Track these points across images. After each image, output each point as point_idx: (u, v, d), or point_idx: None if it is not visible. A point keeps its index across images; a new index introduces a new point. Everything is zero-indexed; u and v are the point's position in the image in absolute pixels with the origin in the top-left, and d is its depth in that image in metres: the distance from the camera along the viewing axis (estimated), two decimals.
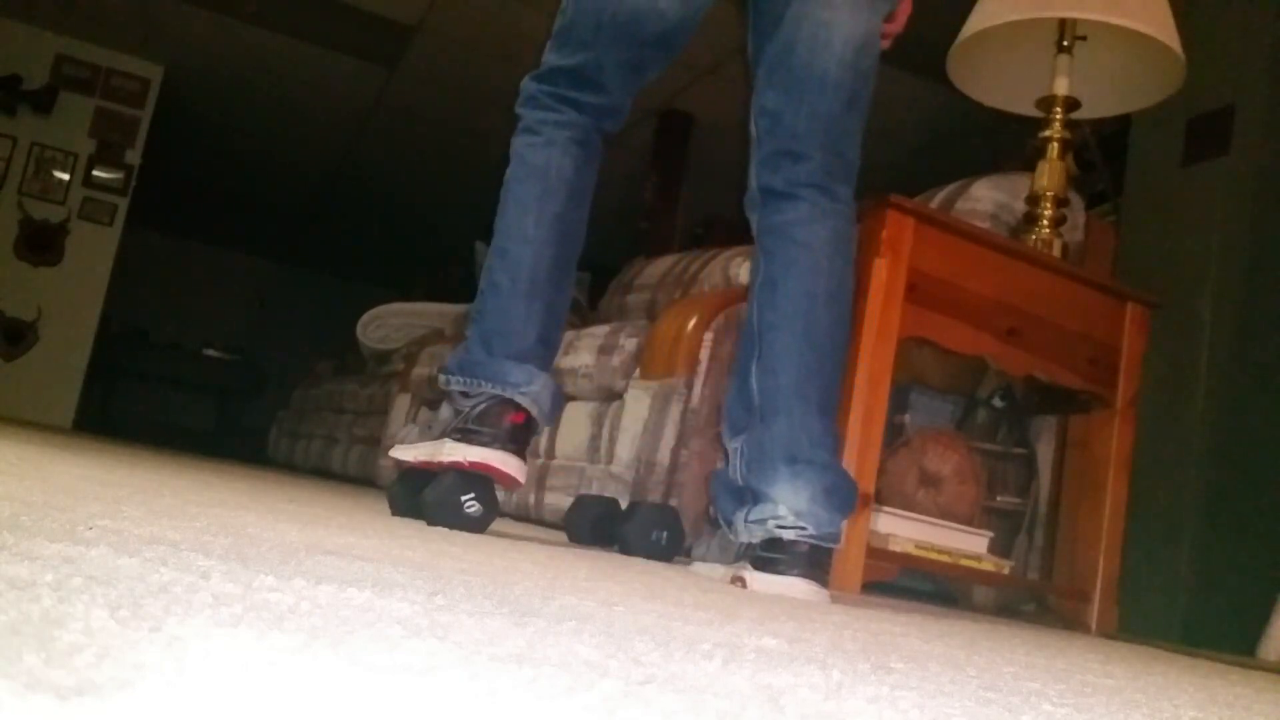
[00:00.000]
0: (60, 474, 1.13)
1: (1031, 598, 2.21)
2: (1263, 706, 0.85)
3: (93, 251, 5.91)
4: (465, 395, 1.48)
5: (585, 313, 4.09)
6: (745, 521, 1.39)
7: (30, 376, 5.75)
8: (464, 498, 1.37)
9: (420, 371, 3.72)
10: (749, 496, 1.40)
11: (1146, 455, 2.22)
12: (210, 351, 8.36)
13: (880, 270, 1.79)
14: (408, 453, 1.51)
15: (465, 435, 1.43)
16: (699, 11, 1.51)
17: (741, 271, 2.45)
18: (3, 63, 5.78)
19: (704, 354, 2.31)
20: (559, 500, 2.54)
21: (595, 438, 2.52)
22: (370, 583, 0.58)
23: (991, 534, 1.99)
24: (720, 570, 1.41)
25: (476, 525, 1.38)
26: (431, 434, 1.50)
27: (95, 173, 5.94)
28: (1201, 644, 2.05)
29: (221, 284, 9.78)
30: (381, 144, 6.59)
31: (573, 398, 2.73)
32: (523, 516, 2.77)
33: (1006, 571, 1.99)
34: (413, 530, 1.22)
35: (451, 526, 1.35)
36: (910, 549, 1.85)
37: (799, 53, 1.47)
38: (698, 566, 1.48)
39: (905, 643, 0.84)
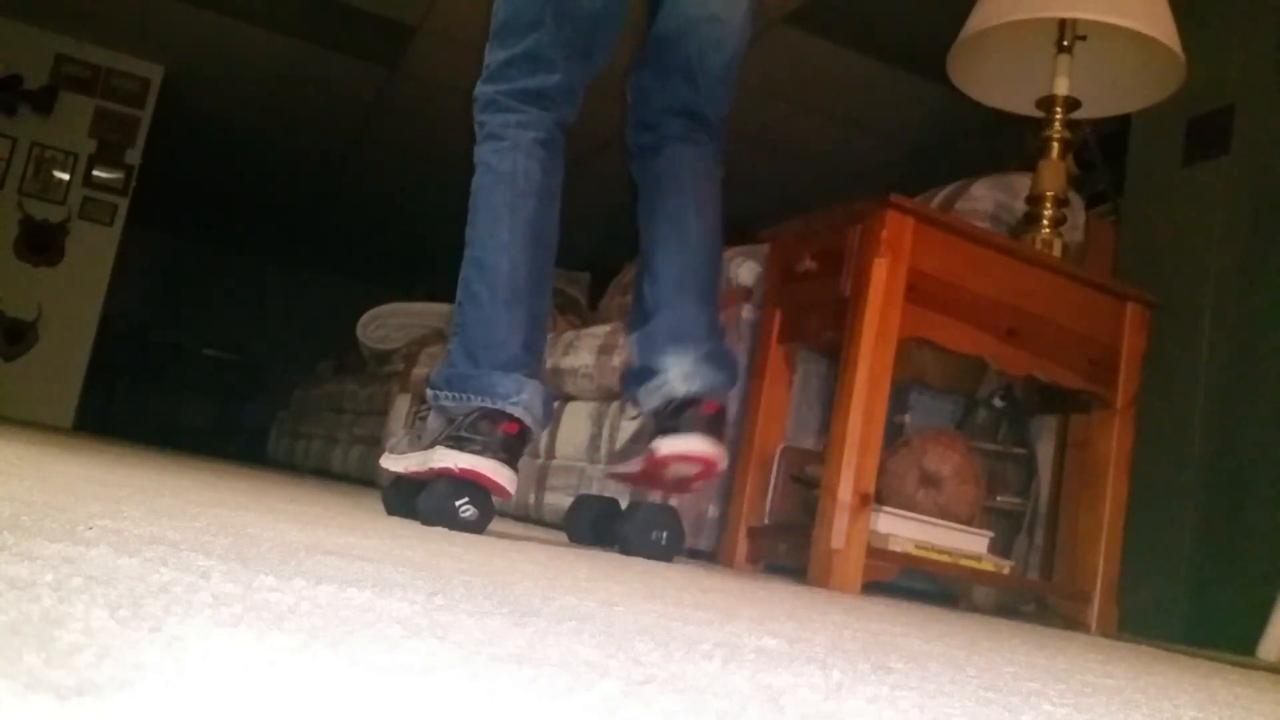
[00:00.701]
0: (60, 474, 1.13)
1: (1031, 597, 2.21)
2: (1263, 706, 0.85)
3: (93, 251, 5.91)
4: (449, 409, 1.51)
5: (585, 313, 4.09)
6: (644, 392, 1.59)
7: (30, 376, 5.75)
8: (458, 503, 1.39)
9: (420, 371, 3.72)
10: (645, 374, 1.60)
11: (1146, 455, 2.22)
12: (210, 351, 8.37)
13: (880, 270, 1.79)
14: (398, 463, 1.55)
15: (457, 442, 1.45)
16: None
17: (742, 271, 2.45)
18: (3, 63, 5.77)
19: None
20: (559, 500, 2.54)
21: (595, 438, 2.52)
22: (370, 583, 0.58)
23: (991, 534, 1.99)
24: (635, 461, 1.61)
25: (473, 528, 1.40)
26: (421, 444, 1.52)
27: (95, 173, 5.94)
28: (1201, 644, 2.05)
29: (221, 284, 9.78)
30: (381, 144, 6.59)
31: (573, 398, 2.73)
32: (523, 516, 2.77)
33: (1006, 571, 1.98)
34: (412, 530, 1.22)
35: (447, 527, 1.38)
36: (910, 549, 1.85)
37: (671, 45, 1.66)
38: (615, 467, 1.68)
39: (905, 643, 0.84)
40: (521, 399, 1.47)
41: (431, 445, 1.49)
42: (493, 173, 1.56)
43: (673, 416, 1.55)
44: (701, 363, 1.58)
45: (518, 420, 1.47)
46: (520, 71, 1.57)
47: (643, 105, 1.70)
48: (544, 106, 1.58)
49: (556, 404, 2.78)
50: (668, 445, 1.53)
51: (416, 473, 1.50)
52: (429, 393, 1.54)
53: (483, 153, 1.59)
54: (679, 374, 1.56)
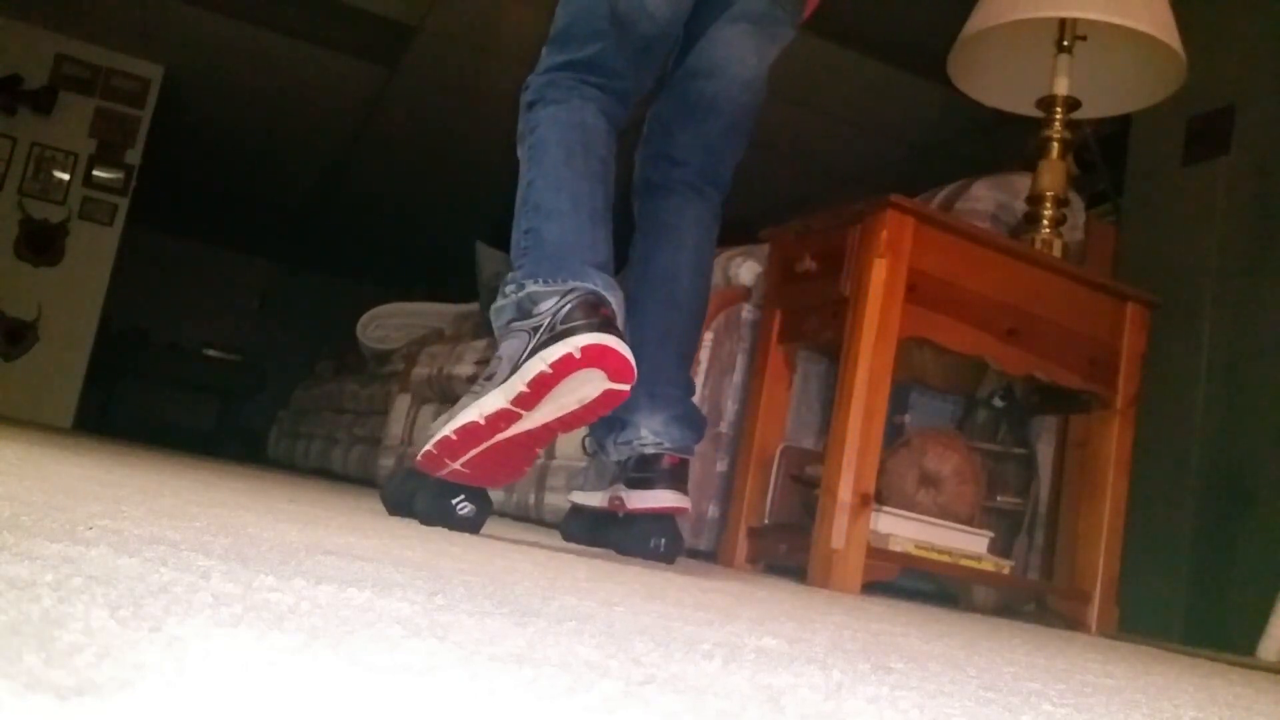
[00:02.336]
0: (60, 474, 1.13)
1: (1031, 598, 2.21)
2: (1263, 706, 0.85)
3: (93, 251, 5.91)
4: (538, 303, 1.30)
5: None
6: (614, 443, 1.59)
7: (30, 376, 5.74)
8: (454, 500, 1.33)
9: (420, 371, 3.72)
10: (617, 424, 1.58)
11: (1146, 455, 2.22)
12: (210, 351, 8.36)
13: (880, 270, 1.79)
14: (481, 408, 1.25)
15: (556, 335, 1.23)
16: (687, 11, 1.59)
17: (742, 271, 2.45)
18: (3, 63, 5.77)
19: (704, 354, 2.31)
20: (559, 500, 2.54)
21: None
22: (370, 583, 0.58)
23: (991, 534, 1.99)
24: (598, 496, 1.63)
25: (470, 526, 1.37)
26: (501, 376, 1.27)
27: (95, 173, 5.94)
28: (1201, 644, 2.05)
29: (221, 284, 9.78)
30: (382, 144, 6.59)
31: None
32: (523, 516, 2.77)
33: (1006, 571, 1.98)
34: (412, 530, 1.22)
35: (450, 527, 1.34)
36: (910, 549, 1.85)
37: (697, 82, 1.67)
38: (576, 495, 1.69)
39: (905, 643, 0.84)
40: (616, 297, 1.32)
41: (521, 363, 1.25)
42: (558, 123, 1.44)
43: (638, 469, 1.58)
44: (673, 422, 1.60)
45: (614, 311, 1.30)
46: (582, 70, 1.51)
47: (661, 137, 1.69)
48: (606, 94, 1.51)
49: None
50: (638, 499, 1.57)
51: (513, 405, 1.23)
52: (509, 289, 1.33)
53: (540, 115, 1.47)
54: (650, 431, 1.58)
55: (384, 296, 5.59)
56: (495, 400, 1.25)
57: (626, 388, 1.26)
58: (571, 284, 1.28)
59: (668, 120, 1.69)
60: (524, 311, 1.32)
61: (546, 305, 1.28)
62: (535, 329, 1.26)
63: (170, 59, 5.94)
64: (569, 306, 1.26)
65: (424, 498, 1.36)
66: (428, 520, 1.35)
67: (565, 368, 1.21)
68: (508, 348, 1.29)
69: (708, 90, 1.67)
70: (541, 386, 1.22)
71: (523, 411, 1.24)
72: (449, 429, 1.27)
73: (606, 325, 1.25)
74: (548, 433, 1.29)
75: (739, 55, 1.67)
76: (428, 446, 1.29)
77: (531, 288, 1.31)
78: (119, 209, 5.98)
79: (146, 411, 8.56)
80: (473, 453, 1.27)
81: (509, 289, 1.34)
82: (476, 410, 1.26)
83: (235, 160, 7.43)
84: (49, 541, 0.51)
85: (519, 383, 1.23)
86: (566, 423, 1.28)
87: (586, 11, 1.52)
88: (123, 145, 5.98)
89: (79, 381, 5.89)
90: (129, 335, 7.82)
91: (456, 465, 1.29)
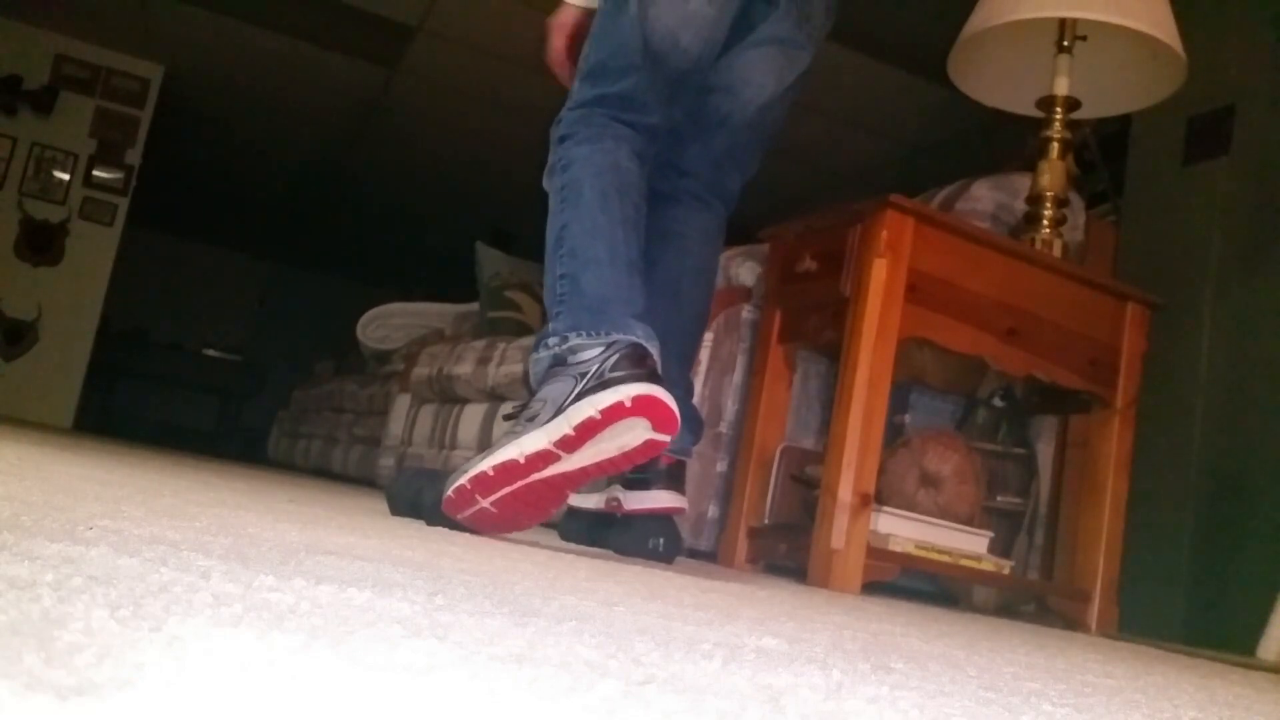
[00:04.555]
0: (60, 474, 1.13)
1: (1031, 598, 2.21)
2: (1263, 706, 0.85)
3: (93, 251, 5.91)
4: (579, 354, 1.30)
5: None
6: None
7: (30, 376, 5.74)
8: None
9: (420, 371, 3.72)
10: None
11: (1146, 455, 2.22)
12: (210, 351, 8.36)
13: (880, 270, 1.79)
14: (526, 446, 1.25)
15: (604, 383, 1.24)
16: (719, 45, 1.59)
17: (742, 271, 2.45)
18: (3, 63, 5.77)
19: (704, 354, 2.31)
20: None
21: None
22: (370, 583, 0.58)
23: (992, 534, 1.99)
24: (594, 498, 1.64)
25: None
26: (542, 419, 1.27)
27: (95, 173, 5.94)
28: (1201, 644, 2.05)
29: (221, 284, 9.78)
30: (382, 144, 6.59)
31: None
32: None
33: (1006, 571, 1.98)
34: (413, 530, 1.22)
35: (451, 527, 1.34)
36: (910, 549, 1.85)
37: (713, 97, 1.67)
38: (573, 498, 1.64)
39: (905, 643, 0.84)
40: (655, 347, 1.31)
41: (567, 406, 1.25)
42: (593, 164, 1.44)
43: (636, 470, 1.50)
44: None
45: (657, 363, 1.29)
46: (615, 106, 1.50)
47: (670, 147, 1.67)
48: (639, 133, 1.51)
49: None
50: (635, 500, 1.60)
51: (565, 439, 1.23)
52: (550, 342, 1.33)
53: (573, 153, 1.47)
54: None
55: (384, 296, 5.59)
56: (537, 440, 1.25)
57: (668, 439, 1.26)
58: (614, 336, 1.28)
59: (679, 131, 1.68)
60: (564, 361, 1.32)
61: (590, 354, 1.28)
62: (582, 375, 1.26)
63: (170, 59, 5.94)
64: (616, 357, 1.26)
65: (433, 492, 1.35)
66: (433, 519, 1.35)
67: (614, 415, 1.22)
68: (551, 391, 1.28)
69: (722, 107, 1.68)
70: (588, 431, 1.23)
71: (563, 454, 1.24)
72: (486, 465, 1.27)
73: (653, 377, 1.26)
74: (583, 476, 1.28)
75: (758, 79, 1.68)
76: (460, 481, 1.28)
77: (574, 340, 1.30)
78: (119, 209, 5.98)
79: (146, 411, 8.56)
80: (504, 491, 1.27)
81: (551, 340, 1.34)
82: (517, 449, 1.26)
83: (235, 160, 7.43)
84: (49, 541, 0.51)
85: (565, 425, 1.23)
86: (603, 468, 1.28)
87: (621, 47, 1.51)
88: (123, 145, 5.98)
89: (79, 381, 5.89)
90: (129, 335, 7.82)
91: (485, 504, 1.28)
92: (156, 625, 0.35)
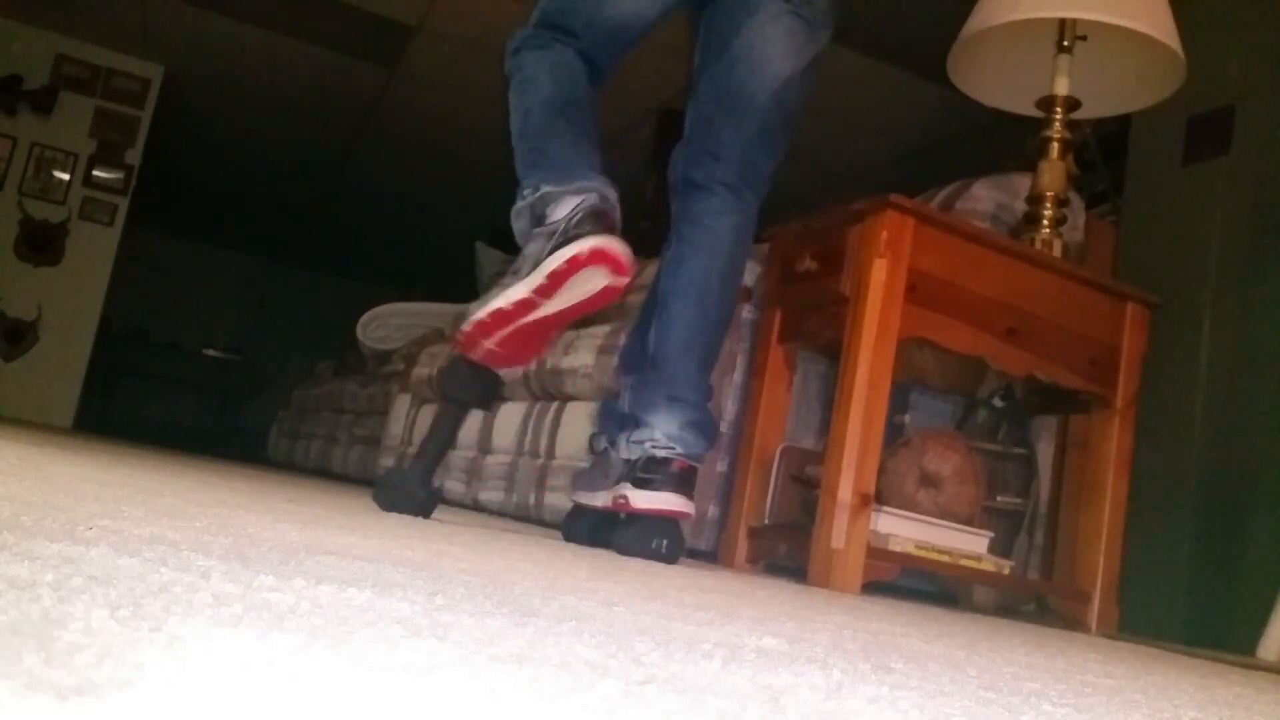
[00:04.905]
0: (60, 474, 1.13)
1: (1032, 598, 2.21)
2: (1263, 706, 0.85)
3: (93, 251, 5.91)
4: (550, 204, 1.49)
5: None
6: (627, 442, 1.65)
7: (30, 376, 5.74)
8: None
9: (420, 371, 3.72)
10: (631, 422, 1.66)
11: (1146, 455, 2.22)
12: (210, 351, 8.36)
13: (880, 270, 1.79)
14: (509, 295, 1.47)
15: (568, 238, 1.44)
16: (673, 10, 1.70)
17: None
18: (3, 63, 5.77)
19: None
20: (559, 500, 2.54)
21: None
22: (370, 583, 0.58)
23: (992, 534, 1.99)
24: (601, 496, 1.68)
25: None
26: (523, 273, 1.48)
27: (95, 173, 5.94)
28: (1201, 644, 2.05)
29: (221, 284, 9.78)
30: (381, 144, 6.59)
31: (573, 398, 2.73)
32: (523, 516, 2.77)
33: (1006, 571, 1.98)
34: (413, 530, 1.22)
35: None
36: (910, 549, 1.85)
37: (738, 74, 1.70)
38: (579, 495, 1.75)
39: (905, 643, 0.84)
40: (614, 193, 1.51)
41: (542, 260, 1.45)
42: (538, 61, 1.62)
43: (646, 469, 1.62)
44: (688, 428, 1.65)
45: (617, 218, 1.50)
46: (556, 31, 1.65)
47: (705, 132, 1.72)
48: (578, 51, 1.65)
49: (555, 405, 2.78)
50: (643, 499, 1.62)
51: (541, 287, 1.45)
52: (526, 193, 1.53)
53: (523, 59, 1.64)
54: (664, 435, 1.63)
55: (384, 296, 5.59)
56: (519, 290, 1.47)
57: (624, 281, 1.48)
58: (579, 183, 1.48)
59: (709, 116, 1.72)
60: (539, 216, 1.51)
61: (560, 208, 1.47)
62: (552, 233, 1.46)
63: (170, 59, 5.94)
64: (580, 215, 1.45)
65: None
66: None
67: (575, 264, 1.43)
68: (530, 249, 1.50)
69: (748, 86, 1.70)
70: (557, 279, 1.44)
71: (541, 300, 1.47)
72: (482, 313, 1.51)
73: (610, 231, 1.46)
74: (561, 319, 1.52)
75: (780, 53, 1.71)
76: (465, 328, 1.55)
77: (545, 189, 1.50)
78: (119, 209, 5.98)
79: (146, 411, 8.56)
80: (501, 333, 1.52)
81: (525, 192, 1.53)
82: (503, 299, 1.49)
83: (235, 160, 7.43)
84: (49, 541, 0.51)
85: (539, 276, 1.45)
86: (576, 310, 1.50)
87: (572, 11, 1.65)
88: (123, 145, 5.98)
89: (79, 381, 5.89)
90: (129, 335, 7.83)
91: (490, 344, 1.55)
92: (156, 625, 0.35)
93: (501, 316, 1.49)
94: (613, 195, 1.50)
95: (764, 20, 1.70)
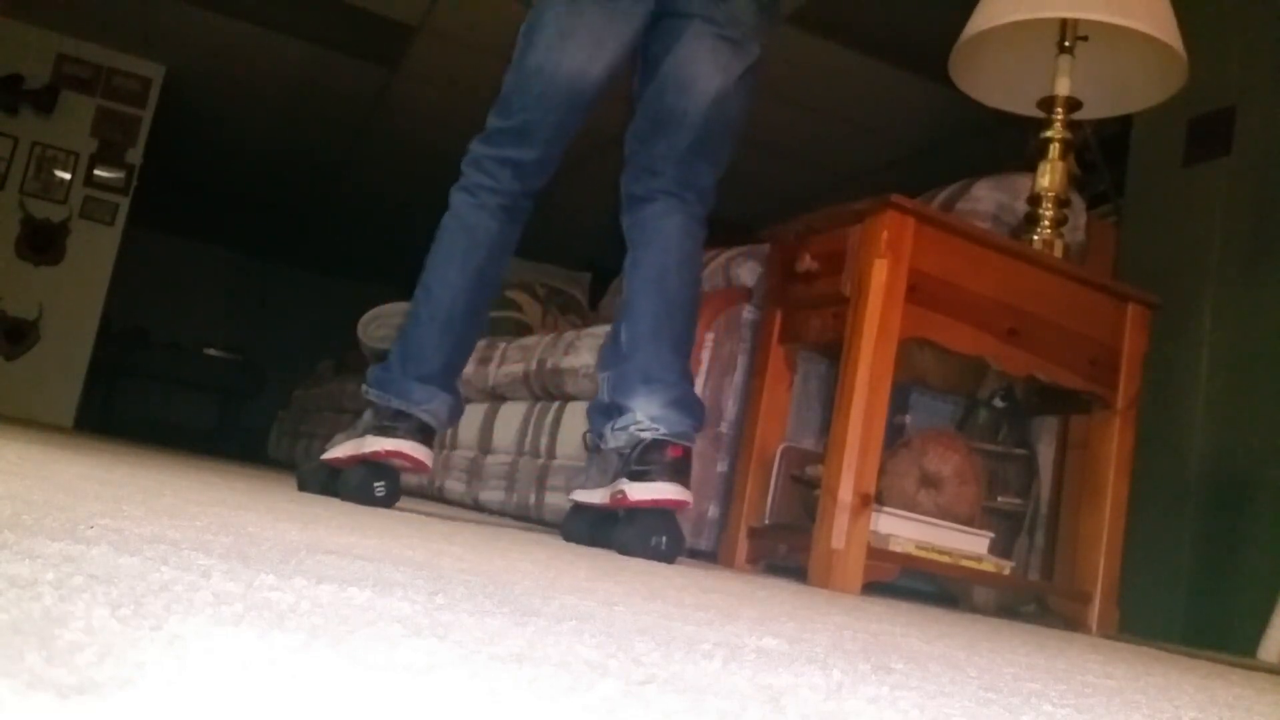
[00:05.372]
0: (61, 473, 1.13)
1: (1032, 598, 2.21)
2: (1263, 707, 0.85)
3: (94, 251, 5.91)
4: (375, 403, 1.79)
5: (585, 313, 4.09)
6: (612, 430, 1.73)
7: (31, 376, 5.74)
8: (375, 484, 1.71)
9: None
10: (614, 411, 1.73)
11: (1147, 456, 2.22)
12: (211, 351, 8.36)
13: (881, 271, 1.79)
14: (340, 451, 1.82)
15: (382, 431, 1.75)
16: (619, 70, 1.81)
17: (742, 272, 2.45)
18: (4, 62, 5.77)
19: (705, 354, 2.31)
20: (559, 500, 2.54)
21: None
22: (371, 582, 0.58)
23: (992, 535, 1.99)
24: (599, 494, 1.73)
25: (384, 503, 1.71)
26: (356, 434, 1.81)
27: (96, 172, 5.94)
28: (1202, 645, 2.05)
29: (222, 283, 9.78)
30: (381, 144, 6.59)
31: (573, 398, 2.73)
32: (523, 516, 2.77)
33: (1007, 572, 1.98)
34: (413, 530, 1.22)
35: (364, 504, 1.66)
36: (911, 549, 1.85)
37: (669, 95, 1.81)
38: (578, 494, 1.80)
39: (906, 643, 0.84)
40: (430, 406, 1.77)
41: (363, 435, 1.78)
42: (458, 220, 1.81)
43: (640, 460, 1.67)
44: (670, 406, 1.70)
45: (424, 421, 1.77)
46: (508, 141, 1.80)
47: (640, 151, 1.84)
48: (518, 176, 1.80)
49: (556, 405, 2.78)
50: (639, 491, 1.65)
51: (353, 456, 1.76)
52: (363, 388, 1.83)
53: (456, 200, 1.83)
54: (647, 417, 1.69)
55: (385, 296, 5.59)
56: (348, 449, 1.79)
57: (426, 470, 1.82)
58: (394, 404, 1.76)
59: (644, 135, 1.84)
60: (380, 407, 1.79)
61: (382, 408, 1.78)
62: (378, 412, 1.78)
63: (171, 58, 5.94)
64: (392, 415, 1.76)
65: (354, 476, 1.71)
66: (352, 497, 1.69)
67: (382, 455, 1.74)
68: (367, 415, 1.81)
69: (679, 105, 1.80)
70: (374, 456, 1.75)
71: (366, 456, 1.77)
72: (337, 452, 1.82)
73: (413, 432, 1.75)
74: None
75: (706, 71, 1.80)
76: (333, 456, 1.83)
77: (372, 397, 1.80)
78: (120, 208, 5.98)
79: (147, 411, 8.56)
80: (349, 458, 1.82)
81: (368, 378, 1.83)
82: (341, 450, 1.81)
83: (236, 160, 7.43)
84: (50, 540, 0.51)
85: (361, 448, 1.76)
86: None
87: (525, 82, 1.79)
88: (124, 145, 5.98)
89: (80, 381, 5.89)
90: (130, 334, 7.82)
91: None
92: (157, 624, 0.35)
93: (342, 460, 1.80)
94: (444, 413, 1.79)
95: (690, 42, 1.79)
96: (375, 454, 1.73)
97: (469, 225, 1.80)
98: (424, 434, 1.77)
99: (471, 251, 1.80)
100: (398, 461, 1.74)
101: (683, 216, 1.82)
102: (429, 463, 1.79)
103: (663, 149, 1.81)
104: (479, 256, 1.80)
